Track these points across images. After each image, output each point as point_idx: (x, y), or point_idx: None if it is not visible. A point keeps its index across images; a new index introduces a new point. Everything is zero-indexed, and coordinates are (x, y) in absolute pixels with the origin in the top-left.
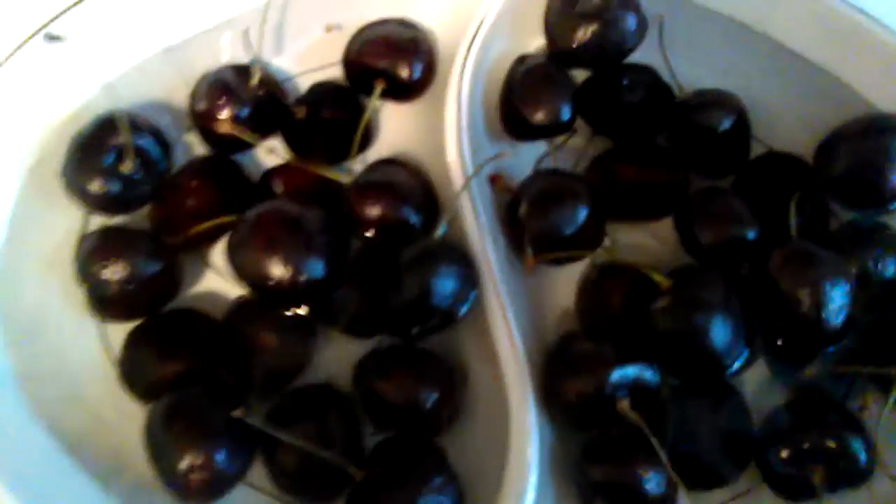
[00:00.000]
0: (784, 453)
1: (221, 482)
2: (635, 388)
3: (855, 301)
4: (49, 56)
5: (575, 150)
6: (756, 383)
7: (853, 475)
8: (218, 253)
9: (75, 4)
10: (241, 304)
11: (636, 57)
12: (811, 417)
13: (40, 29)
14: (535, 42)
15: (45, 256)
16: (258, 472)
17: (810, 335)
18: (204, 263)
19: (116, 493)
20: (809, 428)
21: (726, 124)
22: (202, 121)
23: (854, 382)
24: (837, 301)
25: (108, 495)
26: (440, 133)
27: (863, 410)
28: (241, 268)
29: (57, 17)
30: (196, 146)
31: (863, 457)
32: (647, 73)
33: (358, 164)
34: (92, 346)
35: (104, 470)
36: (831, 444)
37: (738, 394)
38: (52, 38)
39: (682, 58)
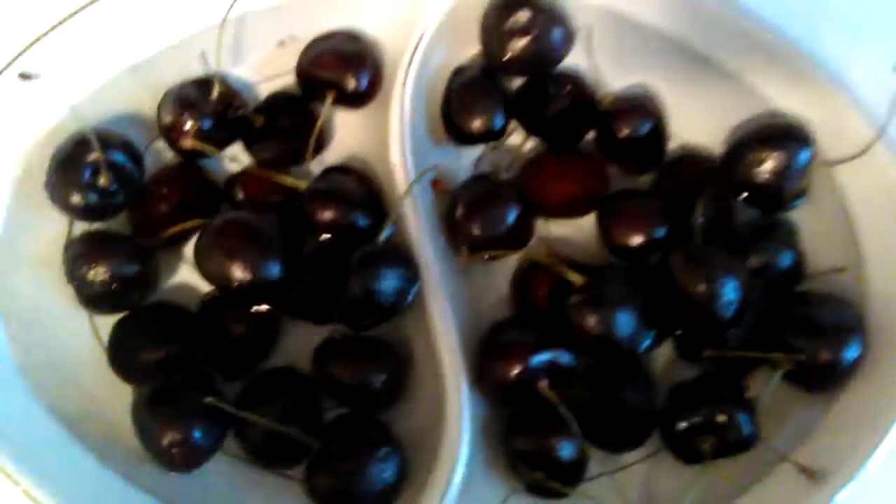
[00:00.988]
0: (681, 425)
1: (199, 455)
2: (553, 370)
3: (753, 290)
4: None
5: (511, 150)
6: (667, 359)
7: (739, 444)
8: (191, 249)
9: (45, 34)
10: (211, 298)
11: (568, 60)
12: (705, 394)
13: (12, 61)
14: (474, 49)
15: (38, 257)
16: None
17: (705, 325)
18: (179, 259)
19: (111, 465)
20: (703, 403)
21: (644, 128)
22: (168, 133)
23: (750, 362)
24: (729, 296)
25: (104, 467)
26: (388, 136)
27: (747, 389)
28: (207, 271)
29: (28, 47)
30: (165, 151)
31: (747, 429)
32: (572, 82)
33: (314, 165)
34: (84, 335)
35: (99, 444)
36: (721, 417)
37: (644, 370)
38: (25, 76)
39: (608, 60)
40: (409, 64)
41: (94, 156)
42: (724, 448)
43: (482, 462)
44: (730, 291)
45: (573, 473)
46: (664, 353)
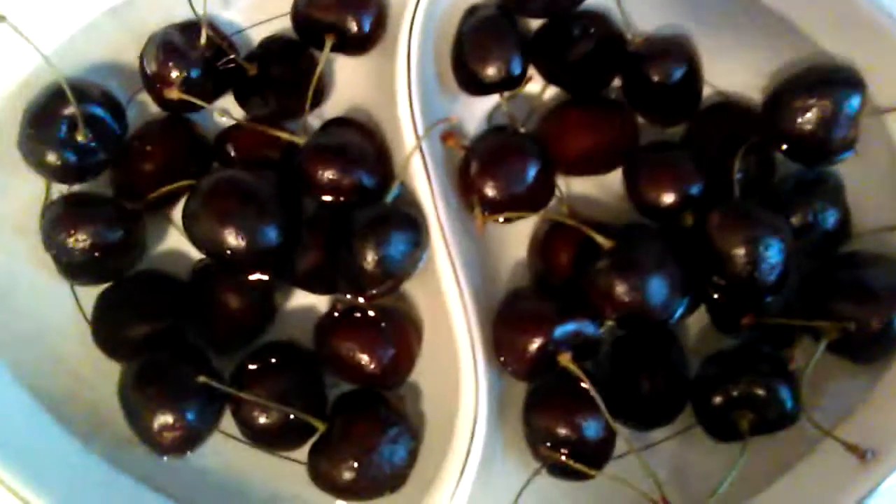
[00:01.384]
0: (716, 399)
1: (192, 438)
2: (577, 342)
3: (796, 251)
4: None
5: (529, 99)
6: (700, 328)
7: (779, 421)
8: (180, 212)
9: None
10: (203, 266)
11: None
12: (742, 366)
13: None
14: None
15: (12, 223)
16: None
17: (745, 291)
18: (167, 223)
19: (97, 450)
20: (740, 376)
21: (677, 74)
22: (152, 84)
23: (790, 331)
24: (772, 259)
25: (89, 452)
26: (393, 85)
27: (790, 361)
28: (198, 238)
29: None
30: (150, 105)
31: (789, 404)
32: (598, 22)
33: (313, 119)
34: (66, 307)
35: (84, 428)
36: (760, 391)
37: (677, 340)
38: None
39: (636, 1)
40: (417, 3)
41: (70, 109)
42: (764, 424)
43: (500, 441)
44: (773, 254)
45: (599, 453)
46: (696, 320)
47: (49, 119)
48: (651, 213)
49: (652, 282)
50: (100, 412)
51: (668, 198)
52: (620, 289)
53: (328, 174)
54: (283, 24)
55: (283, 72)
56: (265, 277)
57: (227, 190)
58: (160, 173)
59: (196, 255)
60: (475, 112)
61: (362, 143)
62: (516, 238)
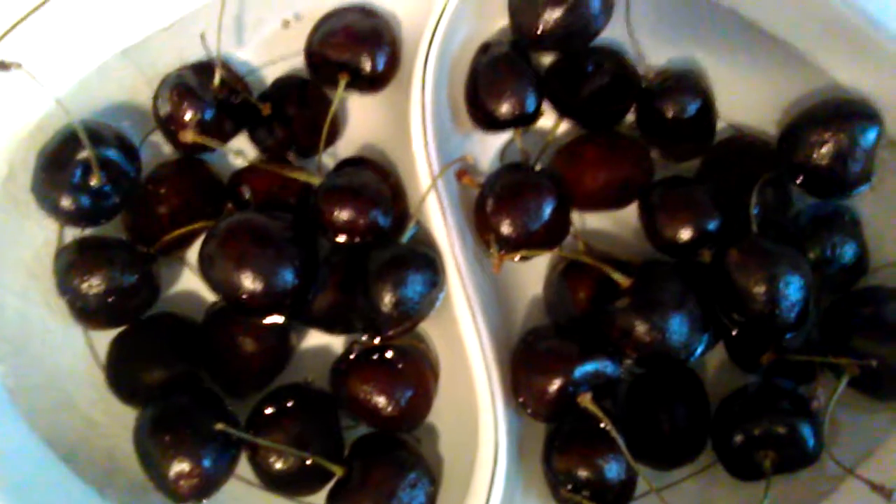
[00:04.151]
0: (737, 438)
1: (209, 485)
2: (597, 382)
3: (812, 287)
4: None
5: (542, 134)
6: (718, 364)
7: (802, 459)
8: (196, 253)
9: (26, 17)
10: (218, 309)
11: (604, 33)
12: (764, 404)
13: None
14: (503, 21)
15: (25, 267)
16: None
17: (766, 329)
18: (182, 266)
19: (112, 497)
20: (762, 414)
21: (691, 109)
22: (167, 126)
23: (810, 368)
24: (792, 297)
25: (105, 500)
26: (407, 123)
27: (812, 399)
28: (214, 281)
29: (7, 32)
30: (162, 146)
31: (811, 442)
32: (612, 57)
33: (326, 158)
34: (79, 352)
35: (99, 475)
36: (781, 430)
37: (697, 378)
38: (5, 66)
39: (649, 34)
40: (431, 41)
41: (84, 153)
42: (786, 463)
43: (520, 485)
44: (794, 291)
45: (621, 494)
46: (713, 356)
47: (63, 163)
48: (668, 249)
49: (672, 321)
50: (115, 459)
51: (686, 234)
52: (641, 329)
53: (344, 215)
54: (297, 64)
55: (297, 111)
56: (281, 320)
57: (244, 233)
58: (174, 215)
59: (210, 296)
60: (487, 148)
61: (377, 182)
62: (532, 275)
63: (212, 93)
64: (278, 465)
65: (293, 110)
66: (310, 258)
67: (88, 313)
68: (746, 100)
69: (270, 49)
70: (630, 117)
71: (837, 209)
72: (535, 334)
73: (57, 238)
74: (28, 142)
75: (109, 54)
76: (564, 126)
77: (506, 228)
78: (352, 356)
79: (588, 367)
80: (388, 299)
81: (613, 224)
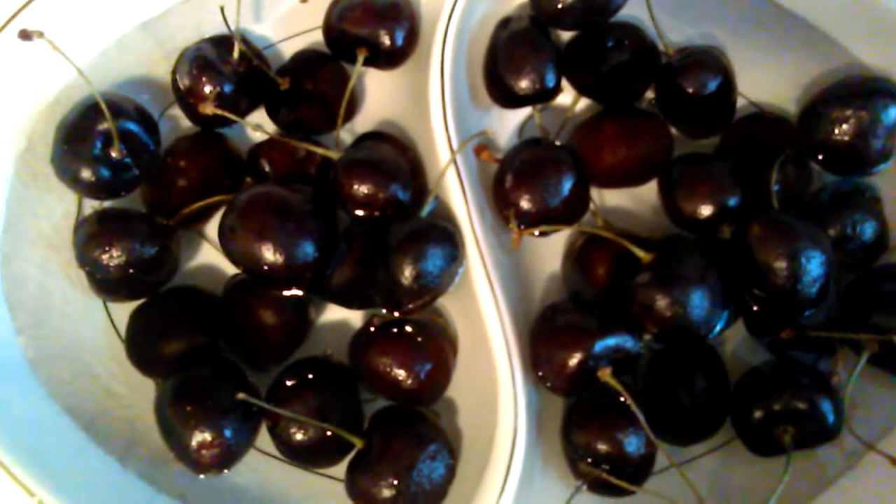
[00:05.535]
0: (757, 414)
1: (231, 455)
2: (617, 356)
3: (833, 263)
4: (24, 43)
5: (560, 110)
6: (737, 340)
7: (821, 434)
8: (214, 227)
9: None
10: (238, 282)
11: (623, 11)
12: (784, 380)
13: (11, 19)
14: None
15: (44, 239)
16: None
17: (786, 305)
18: (201, 239)
19: (132, 467)
20: (782, 390)
21: (712, 86)
22: (186, 99)
23: (830, 344)
24: (814, 272)
25: (125, 470)
26: (426, 98)
27: (832, 375)
28: (234, 254)
29: (28, 3)
30: (181, 120)
31: (831, 418)
32: (632, 33)
33: (345, 133)
34: (99, 323)
35: (120, 445)
36: (801, 405)
37: (717, 354)
38: (26, 35)
39: (668, 12)
40: (450, 16)
41: (104, 125)
42: (806, 438)
43: (539, 457)
44: (815, 267)
45: (640, 469)
46: (733, 332)
47: (83, 135)
48: (688, 225)
49: (694, 295)
50: (135, 429)
51: (706, 210)
52: (662, 303)
53: (363, 189)
54: (315, 38)
55: (315, 86)
56: (300, 293)
57: (265, 205)
58: (193, 188)
59: (229, 269)
60: (507, 124)
61: (397, 157)
62: (551, 251)
63: (231, 66)
64: (299, 437)
65: (311, 85)
66: (329, 232)
67: (108, 285)
68: (767, 77)
69: (289, 24)
70: (649, 94)
71: (858, 186)
72: (555, 309)
73: (76, 210)
74: (46, 114)
75: (129, 27)
76: (584, 102)
77: (525, 204)
78: (371, 329)
79: (608, 342)
80: (408, 272)
81: (632, 201)
